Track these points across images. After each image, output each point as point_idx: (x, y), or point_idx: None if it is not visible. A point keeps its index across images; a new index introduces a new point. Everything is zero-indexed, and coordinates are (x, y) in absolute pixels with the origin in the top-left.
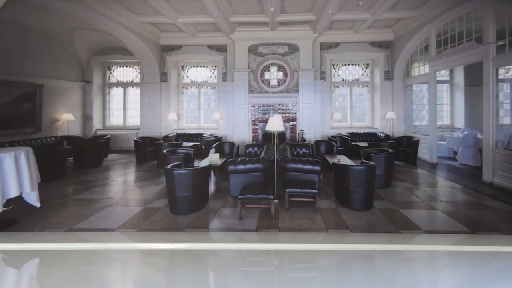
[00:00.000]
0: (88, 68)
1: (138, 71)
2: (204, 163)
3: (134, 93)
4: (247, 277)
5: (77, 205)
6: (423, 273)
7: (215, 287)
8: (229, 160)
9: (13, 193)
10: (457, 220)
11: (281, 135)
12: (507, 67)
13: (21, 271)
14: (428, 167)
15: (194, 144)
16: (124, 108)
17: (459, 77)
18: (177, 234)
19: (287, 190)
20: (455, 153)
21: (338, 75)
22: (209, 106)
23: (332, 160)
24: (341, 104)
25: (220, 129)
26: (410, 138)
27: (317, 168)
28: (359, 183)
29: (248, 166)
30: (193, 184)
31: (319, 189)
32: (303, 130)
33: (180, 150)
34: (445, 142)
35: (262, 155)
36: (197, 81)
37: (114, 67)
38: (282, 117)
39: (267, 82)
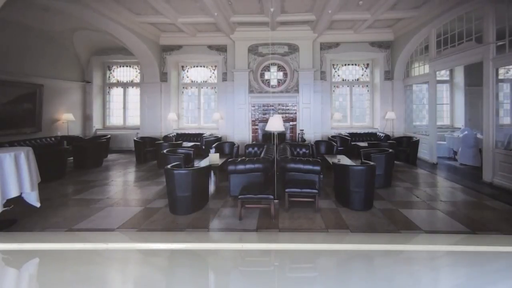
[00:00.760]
0: (88, 68)
1: (138, 71)
2: (204, 163)
3: (134, 93)
4: (247, 277)
5: (77, 205)
6: (423, 273)
7: (215, 287)
8: (229, 160)
9: (13, 193)
10: (457, 220)
11: (281, 135)
12: (507, 67)
13: (21, 271)
14: (428, 167)
15: (194, 144)
16: (124, 108)
17: (459, 77)
18: (177, 234)
19: (287, 190)
20: (455, 153)
21: (338, 75)
22: (209, 106)
23: (332, 160)
24: (341, 104)
25: (220, 129)
26: (410, 138)
27: (317, 168)
28: (359, 183)
29: (248, 166)
30: (193, 184)
31: (319, 189)
32: (303, 130)
33: (180, 150)
34: (445, 142)
35: (262, 155)
36: (197, 81)
37: (114, 67)
38: (282, 117)
39: (267, 82)
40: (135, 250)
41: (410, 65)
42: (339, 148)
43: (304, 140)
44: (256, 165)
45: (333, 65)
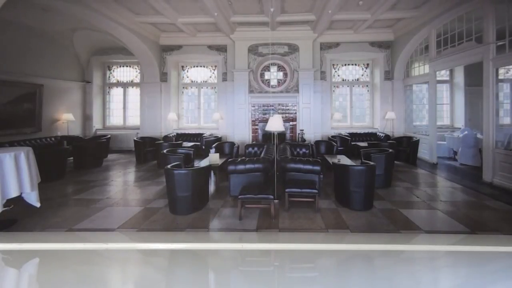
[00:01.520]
0: (88, 68)
1: (138, 71)
2: (204, 163)
3: (134, 93)
4: (247, 277)
5: (77, 205)
6: (423, 273)
7: (215, 287)
8: (229, 160)
9: (13, 193)
10: (457, 220)
11: (281, 135)
12: (507, 67)
13: (21, 271)
14: (428, 167)
15: (194, 144)
16: (124, 108)
17: (459, 77)
18: (177, 234)
19: (287, 190)
20: (455, 153)
21: (338, 75)
22: (209, 106)
23: (332, 160)
24: (341, 104)
25: (220, 129)
26: (410, 138)
27: (317, 168)
28: (359, 183)
29: (248, 166)
30: (193, 184)
31: (319, 189)
32: (303, 130)
33: (180, 150)
34: (445, 142)
35: (262, 155)
36: (197, 81)
37: (114, 67)
38: (282, 117)
39: (267, 82)
40: (135, 250)
41: (410, 65)
42: (339, 148)
43: (304, 140)
44: (256, 165)
45: (333, 65)
